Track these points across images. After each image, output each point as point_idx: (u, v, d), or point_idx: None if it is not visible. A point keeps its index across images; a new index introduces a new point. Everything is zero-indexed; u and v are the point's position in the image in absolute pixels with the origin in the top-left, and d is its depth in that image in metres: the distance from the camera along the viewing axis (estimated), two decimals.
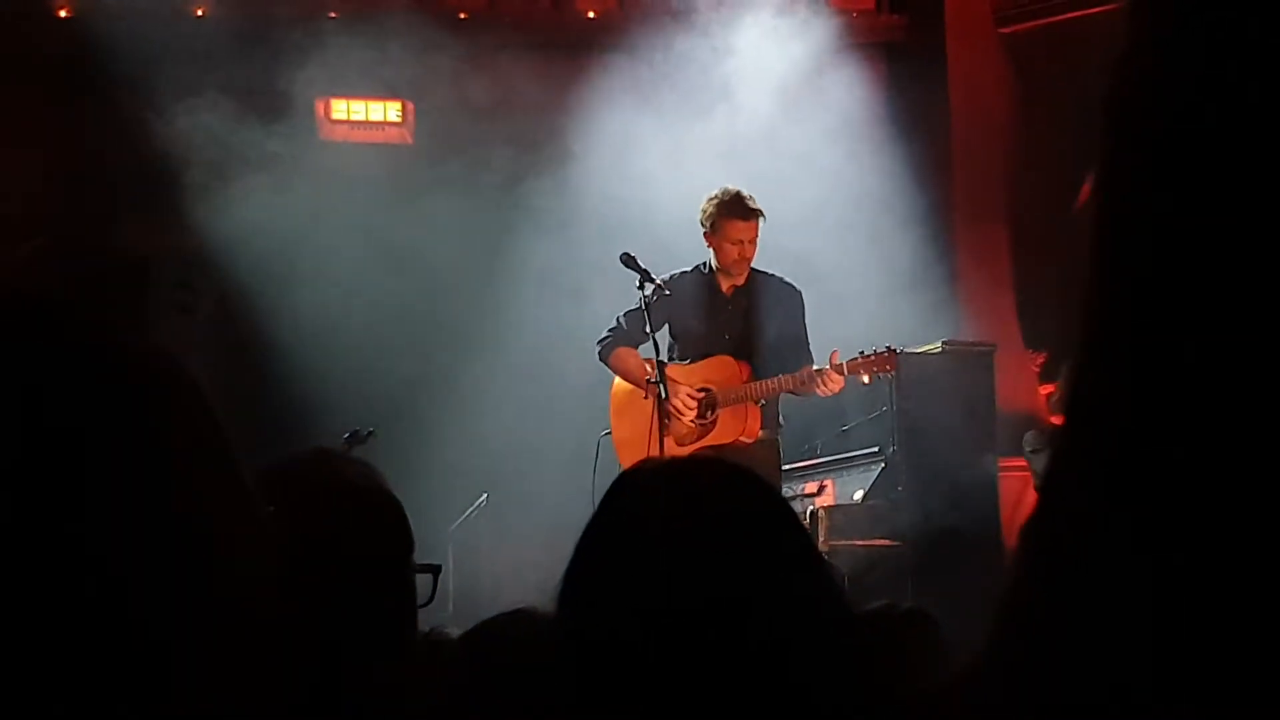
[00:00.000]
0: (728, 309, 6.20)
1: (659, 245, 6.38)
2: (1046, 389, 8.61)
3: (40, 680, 0.77)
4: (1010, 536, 7.03)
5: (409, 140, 8.78)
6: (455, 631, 2.23)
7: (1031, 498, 6.72)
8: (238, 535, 0.87)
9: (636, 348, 6.19)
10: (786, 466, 6.62)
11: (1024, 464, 7.72)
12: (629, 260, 6.01)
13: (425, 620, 2.01)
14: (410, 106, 8.72)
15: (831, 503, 7.02)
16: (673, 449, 5.89)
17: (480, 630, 2.11)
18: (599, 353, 6.28)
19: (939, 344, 7.40)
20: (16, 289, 0.87)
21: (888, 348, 5.89)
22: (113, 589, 0.79)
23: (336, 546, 1.82)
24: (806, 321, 6.23)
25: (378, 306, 7.99)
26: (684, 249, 6.33)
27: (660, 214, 7.06)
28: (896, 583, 6.22)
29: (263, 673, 0.86)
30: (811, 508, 6.77)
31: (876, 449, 7.08)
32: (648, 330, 5.92)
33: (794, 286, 6.25)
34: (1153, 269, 0.71)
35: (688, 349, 6.26)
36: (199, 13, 8.27)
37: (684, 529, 1.44)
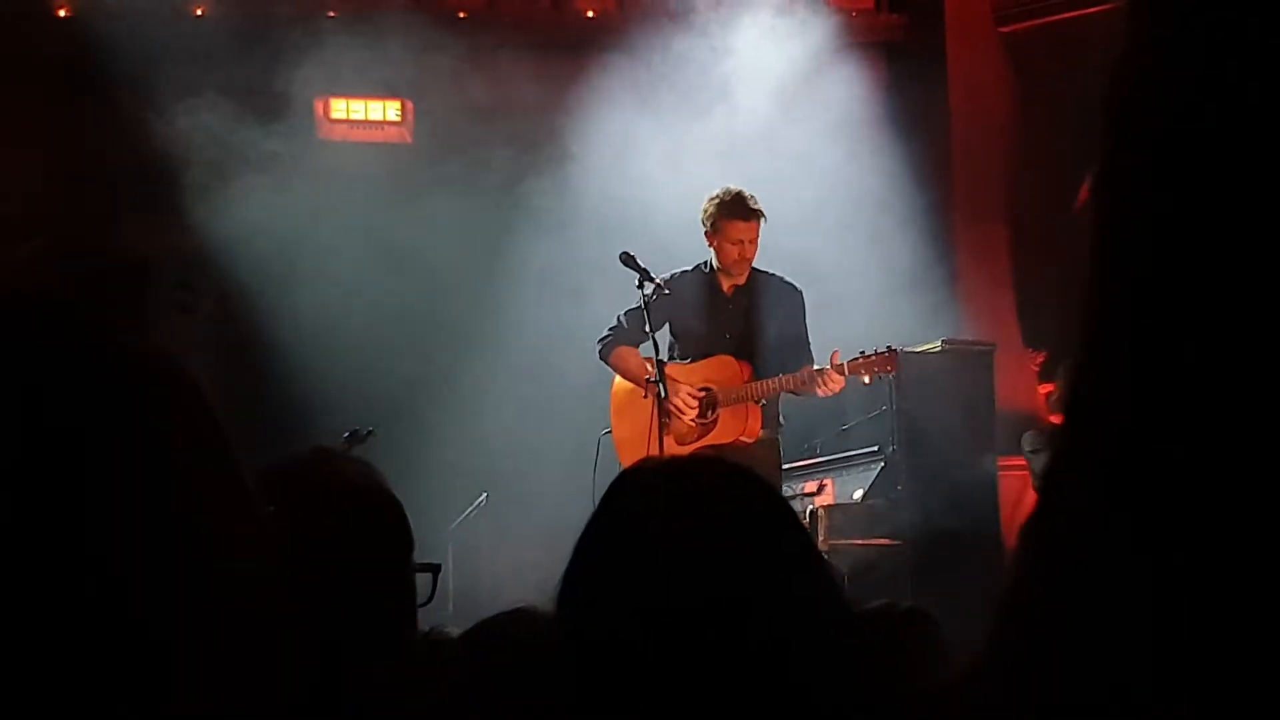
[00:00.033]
0: (728, 308, 6.20)
1: (658, 245, 6.38)
2: (1046, 388, 8.62)
3: (41, 680, 0.77)
4: (1010, 536, 7.04)
5: (408, 140, 8.78)
6: (455, 631, 2.23)
7: (1031, 497, 6.72)
8: (238, 535, 0.87)
9: (637, 347, 6.19)
10: (786, 466, 6.62)
11: (1024, 463, 7.72)
12: (628, 259, 6.01)
13: (425, 619, 2.01)
14: (410, 106, 8.72)
15: (831, 502, 7.02)
16: (673, 448, 5.89)
17: (480, 630, 2.11)
18: (599, 351, 6.28)
19: (938, 343, 7.40)
20: (16, 289, 0.87)
21: (888, 348, 5.89)
22: (113, 589, 0.79)
23: (336, 546, 1.82)
24: (807, 321, 6.23)
25: (377, 306, 7.99)
26: (683, 249, 6.33)
27: (660, 214, 7.06)
28: (896, 582, 6.22)
29: (263, 673, 0.86)
30: (811, 507, 6.77)
31: (876, 448, 7.08)
32: (647, 329, 5.92)
33: (795, 286, 6.25)
34: (1152, 269, 0.71)
35: (689, 348, 6.26)
36: (198, 12, 8.27)
37: (683, 528, 1.44)
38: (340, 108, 8.63)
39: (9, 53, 7.90)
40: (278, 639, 0.89)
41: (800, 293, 6.25)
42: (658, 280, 5.98)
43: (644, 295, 5.96)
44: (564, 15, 8.95)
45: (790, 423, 6.48)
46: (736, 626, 1.38)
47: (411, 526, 1.93)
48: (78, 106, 8.01)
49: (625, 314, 6.20)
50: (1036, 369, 8.80)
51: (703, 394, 6.07)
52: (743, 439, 6.02)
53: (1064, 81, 8.35)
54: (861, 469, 7.12)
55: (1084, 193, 7.66)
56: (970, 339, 7.80)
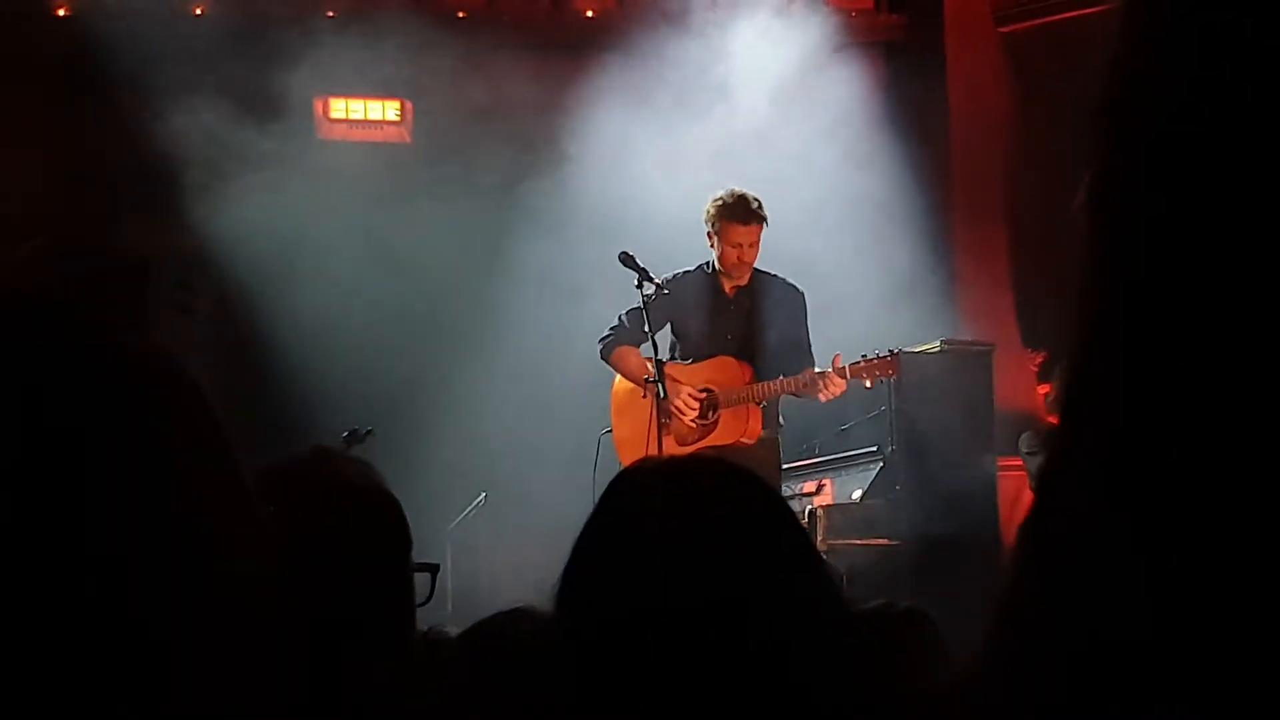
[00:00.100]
0: (730, 309, 6.20)
1: (657, 245, 6.38)
2: (1044, 388, 8.62)
3: (40, 680, 0.77)
4: (1009, 536, 7.03)
5: (407, 139, 8.78)
6: (454, 630, 2.23)
7: (1029, 497, 6.71)
8: (238, 535, 0.87)
9: (638, 346, 6.18)
10: (785, 466, 6.62)
11: (1022, 463, 7.72)
12: (627, 259, 6.01)
13: (423, 619, 2.01)
14: (409, 106, 8.73)
15: (830, 502, 7.02)
16: (674, 449, 5.89)
17: (479, 629, 2.11)
18: (600, 351, 6.28)
19: (938, 343, 7.40)
20: (16, 289, 0.87)
21: (890, 351, 5.87)
22: (113, 589, 0.79)
23: (336, 546, 1.82)
24: (809, 323, 6.23)
25: (377, 306, 7.99)
26: (682, 249, 6.33)
27: (659, 214, 7.06)
28: (894, 582, 6.21)
29: (262, 673, 0.86)
30: (810, 507, 6.77)
31: (875, 448, 7.08)
32: (646, 330, 5.92)
33: (796, 288, 6.25)
34: (1146, 270, 0.71)
35: (690, 349, 6.26)
36: (197, 11, 8.27)
37: (682, 528, 1.44)
38: (339, 107, 8.63)
39: (9, 53, 7.91)
40: (277, 639, 0.90)
41: (802, 294, 6.24)
42: (657, 280, 5.98)
43: (643, 295, 5.95)
44: (563, 15, 8.94)
45: (789, 423, 6.48)
46: (735, 626, 1.38)
47: (410, 526, 1.93)
48: (78, 106, 8.02)
49: (626, 313, 6.20)
50: (1035, 369, 8.80)
51: (704, 395, 6.07)
52: (743, 440, 6.02)
53: (1064, 81, 8.34)
54: (860, 469, 7.12)
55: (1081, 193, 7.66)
56: (969, 339, 7.80)
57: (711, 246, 6.13)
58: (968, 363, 7.43)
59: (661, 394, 5.83)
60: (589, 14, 8.92)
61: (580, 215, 7.82)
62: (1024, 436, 7.76)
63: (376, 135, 8.76)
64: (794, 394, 5.99)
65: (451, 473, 7.47)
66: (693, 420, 6.06)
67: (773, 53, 8.11)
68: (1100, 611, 0.71)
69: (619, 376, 6.31)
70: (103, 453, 0.81)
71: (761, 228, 6.02)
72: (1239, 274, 0.68)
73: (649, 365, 5.99)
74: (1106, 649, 0.70)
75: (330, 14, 8.33)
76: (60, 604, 0.78)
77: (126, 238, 7.80)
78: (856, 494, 7.01)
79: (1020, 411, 8.21)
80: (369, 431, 6.61)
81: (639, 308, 6.00)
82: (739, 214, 6.00)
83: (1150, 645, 0.69)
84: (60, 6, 8.15)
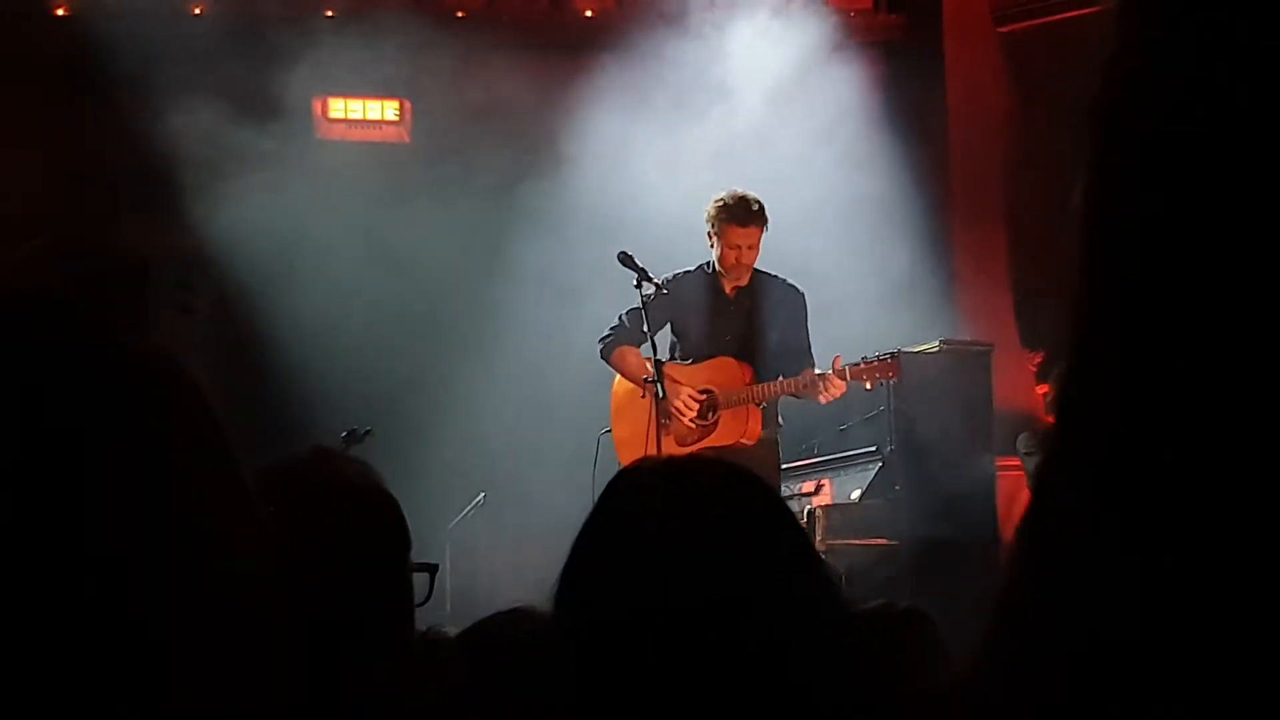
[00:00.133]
0: (730, 310, 6.19)
1: (656, 246, 6.37)
2: (1043, 389, 8.62)
3: (40, 680, 0.77)
4: (1007, 536, 7.03)
5: (406, 139, 8.78)
6: (453, 630, 2.23)
7: (1027, 497, 6.71)
8: (237, 535, 0.87)
9: (638, 346, 6.18)
10: (784, 466, 6.62)
11: (1020, 463, 7.72)
12: (626, 260, 6.00)
13: (423, 619, 2.01)
14: (408, 105, 8.73)
15: (829, 502, 7.02)
16: (673, 449, 5.88)
17: (478, 629, 2.11)
18: (601, 351, 6.27)
19: (937, 343, 7.39)
20: (16, 289, 0.87)
21: (890, 353, 5.86)
22: (113, 589, 0.79)
23: (335, 546, 1.82)
24: (809, 324, 6.23)
25: (376, 306, 7.99)
26: (681, 250, 6.32)
27: (658, 215, 7.06)
28: (893, 582, 6.21)
29: (262, 672, 0.87)
30: (809, 507, 6.77)
31: (874, 448, 7.08)
32: (646, 330, 5.92)
33: (797, 288, 6.23)
34: (1142, 271, 0.71)
35: (690, 349, 6.25)
36: (197, 11, 8.27)
37: (681, 528, 1.44)
38: (339, 107, 8.64)
39: (9, 53, 7.90)
40: (277, 639, 0.90)
41: (802, 295, 6.23)
42: (656, 280, 5.97)
43: (642, 295, 5.95)
44: (563, 15, 8.94)
45: (789, 423, 6.48)
46: (734, 626, 1.38)
47: (409, 526, 1.93)
48: (78, 106, 8.02)
49: (627, 313, 6.19)
50: (1034, 369, 8.80)
51: (704, 396, 6.07)
52: (743, 441, 6.01)
53: (1063, 81, 8.34)
54: (859, 469, 7.12)
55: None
56: (968, 339, 7.79)
57: (711, 247, 6.13)
58: (967, 363, 7.43)
59: (661, 394, 5.82)
60: (588, 14, 8.91)
61: (579, 215, 7.81)
62: (1022, 436, 7.76)
63: (375, 135, 8.76)
64: (794, 395, 5.98)
65: (451, 473, 7.47)
66: (692, 421, 6.06)
67: (771, 53, 8.10)
68: (1097, 611, 0.71)
69: (619, 377, 6.30)
70: (103, 453, 0.82)
71: (762, 230, 6.01)
72: (1235, 275, 0.68)
73: (648, 365, 5.99)
74: (1104, 649, 0.70)
75: (329, 14, 8.33)
76: (60, 604, 0.78)
77: (126, 238, 7.79)
78: (855, 494, 7.01)
79: (1019, 412, 8.20)
80: (368, 431, 6.61)
81: (639, 308, 6.00)
82: (739, 216, 5.99)
83: (1148, 645, 0.69)
84: (60, 6, 8.15)
